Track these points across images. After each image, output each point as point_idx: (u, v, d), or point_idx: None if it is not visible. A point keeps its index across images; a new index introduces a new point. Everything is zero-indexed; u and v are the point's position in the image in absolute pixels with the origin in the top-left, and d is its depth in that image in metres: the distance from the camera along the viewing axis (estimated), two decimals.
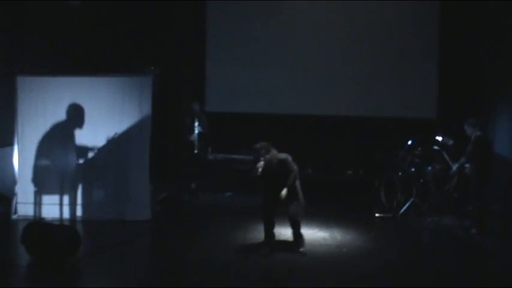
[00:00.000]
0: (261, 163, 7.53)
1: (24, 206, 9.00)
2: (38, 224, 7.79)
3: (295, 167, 7.62)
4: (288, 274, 6.93)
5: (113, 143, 9.02)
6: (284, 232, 8.50)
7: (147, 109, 9.01)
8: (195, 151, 10.90)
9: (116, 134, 9.02)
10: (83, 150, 9.03)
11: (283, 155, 7.64)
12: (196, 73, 12.61)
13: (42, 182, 9.03)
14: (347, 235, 8.42)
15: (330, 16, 12.21)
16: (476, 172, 8.74)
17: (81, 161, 9.04)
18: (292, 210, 7.55)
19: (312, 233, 8.27)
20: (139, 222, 8.79)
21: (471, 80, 11.28)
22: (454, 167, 9.24)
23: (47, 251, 6.96)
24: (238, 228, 8.71)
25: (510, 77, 9.91)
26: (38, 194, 9.00)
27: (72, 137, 9.02)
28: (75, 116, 8.99)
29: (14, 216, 9.00)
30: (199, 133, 10.90)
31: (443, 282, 6.77)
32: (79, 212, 9.03)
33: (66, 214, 9.01)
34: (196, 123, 10.89)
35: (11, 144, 9.14)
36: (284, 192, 7.47)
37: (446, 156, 9.66)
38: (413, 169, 9.80)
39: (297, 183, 7.68)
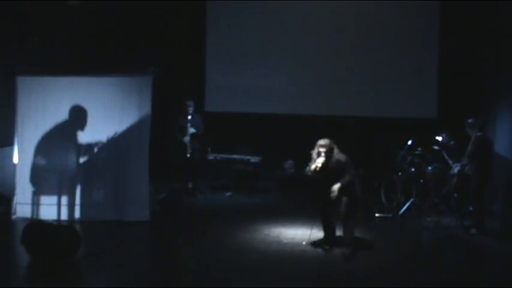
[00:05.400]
0: (321, 159, 7.57)
1: (23, 206, 8.98)
2: (37, 224, 7.78)
3: (352, 170, 7.63)
4: (288, 274, 6.93)
5: (113, 143, 9.01)
6: (284, 232, 8.53)
7: (146, 109, 8.99)
8: (188, 154, 10.79)
9: (115, 133, 9.01)
10: (82, 151, 9.02)
11: (342, 156, 7.68)
12: (196, 73, 12.61)
13: (41, 182, 9.00)
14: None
15: (330, 16, 12.21)
16: (476, 172, 8.73)
17: (80, 161, 9.03)
18: (343, 209, 7.61)
19: (311, 233, 8.26)
20: (138, 223, 8.78)
21: (471, 80, 11.28)
22: (455, 167, 9.24)
23: (47, 251, 6.95)
24: (238, 228, 8.71)
25: (510, 77, 9.90)
26: (37, 195, 8.99)
27: (71, 137, 9.00)
28: (77, 117, 8.97)
29: (13, 217, 8.99)
30: (192, 134, 10.82)
31: (443, 282, 6.77)
32: (78, 212, 9.00)
33: (65, 215, 8.98)
34: (189, 124, 10.78)
35: (11, 144, 9.13)
36: (336, 187, 7.46)
37: (446, 156, 9.66)
38: (413, 169, 9.80)
39: (357, 185, 7.70)
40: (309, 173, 7.73)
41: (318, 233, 8.38)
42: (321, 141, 7.69)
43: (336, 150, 7.71)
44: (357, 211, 7.78)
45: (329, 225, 7.90)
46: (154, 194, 9.41)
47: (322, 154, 7.60)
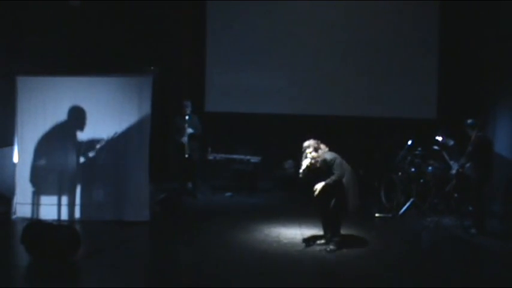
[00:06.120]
0: (307, 160, 7.62)
1: (23, 206, 8.98)
2: (37, 224, 7.78)
3: (338, 170, 7.57)
4: (288, 274, 6.92)
5: (113, 143, 9.01)
6: (284, 232, 8.53)
7: (146, 109, 8.99)
8: (186, 155, 10.77)
9: (115, 134, 9.01)
10: (82, 151, 9.02)
11: (329, 155, 7.66)
12: (196, 73, 12.61)
13: (41, 183, 9.01)
14: (347, 235, 8.41)
15: (330, 16, 12.21)
16: (476, 172, 8.74)
17: (80, 161, 9.02)
18: (332, 206, 7.68)
19: (311, 233, 8.27)
20: (138, 223, 8.78)
21: (471, 80, 11.28)
22: (454, 167, 9.24)
23: (47, 251, 6.95)
24: (238, 228, 8.71)
25: (510, 77, 9.90)
26: (37, 195, 8.99)
27: (71, 137, 9.01)
28: (76, 118, 8.97)
29: (13, 217, 8.98)
30: (189, 134, 10.80)
31: (443, 282, 6.77)
32: (78, 212, 9.00)
33: (65, 215, 8.98)
34: (186, 124, 10.76)
35: (11, 144, 9.13)
36: (318, 186, 7.53)
37: (446, 156, 9.66)
38: (413, 169, 9.80)
39: (347, 184, 7.63)
40: (301, 176, 7.76)
41: (309, 231, 8.42)
42: (305, 143, 7.74)
43: (323, 150, 7.70)
44: (344, 210, 7.76)
45: (325, 222, 7.94)
46: (154, 194, 9.40)
47: (307, 156, 7.65)
